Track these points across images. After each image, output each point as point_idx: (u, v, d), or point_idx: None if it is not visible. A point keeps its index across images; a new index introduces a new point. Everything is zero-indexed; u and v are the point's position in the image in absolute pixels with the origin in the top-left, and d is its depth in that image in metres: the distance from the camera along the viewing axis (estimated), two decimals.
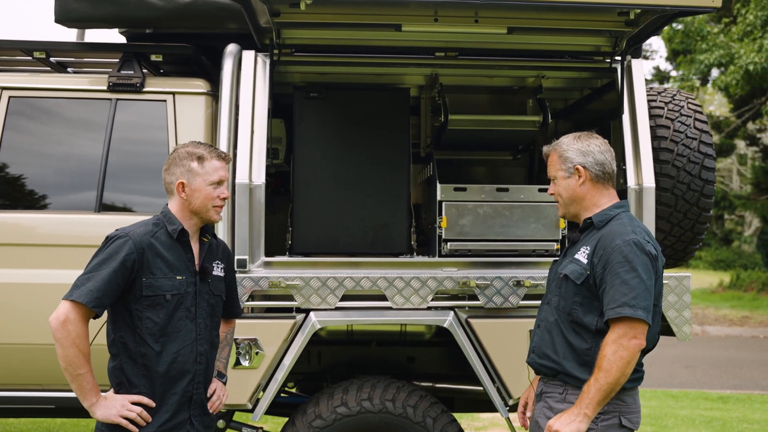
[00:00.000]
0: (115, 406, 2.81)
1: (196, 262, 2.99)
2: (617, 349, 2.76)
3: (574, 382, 2.92)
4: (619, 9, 3.35)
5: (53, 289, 3.94)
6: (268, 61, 4.01)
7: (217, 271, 3.06)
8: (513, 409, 3.98)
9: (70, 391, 3.96)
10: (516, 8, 3.46)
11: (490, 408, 4.78)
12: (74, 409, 4.20)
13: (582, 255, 2.96)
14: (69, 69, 4.84)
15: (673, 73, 22.77)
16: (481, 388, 4.23)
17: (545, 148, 3.16)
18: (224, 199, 3.00)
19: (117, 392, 2.88)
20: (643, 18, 3.55)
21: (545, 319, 3.08)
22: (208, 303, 3.00)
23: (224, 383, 3.17)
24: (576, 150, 3.03)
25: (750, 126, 23.10)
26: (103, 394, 2.85)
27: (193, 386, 2.93)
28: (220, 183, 2.98)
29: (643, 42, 4.04)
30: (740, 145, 24.13)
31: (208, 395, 3.04)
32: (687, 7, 3.30)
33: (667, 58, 23.08)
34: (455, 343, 4.07)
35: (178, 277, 2.90)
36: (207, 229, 3.07)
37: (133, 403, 2.83)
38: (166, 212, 2.98)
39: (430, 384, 4.41)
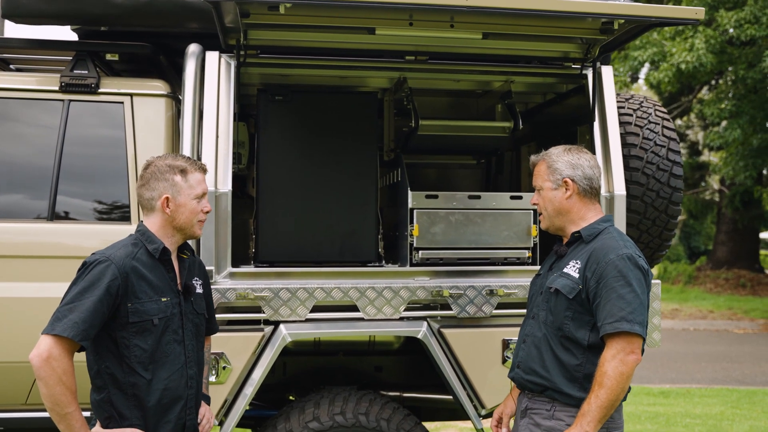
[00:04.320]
0: None
1: (179, 281, 2.84)
2: (617, 365, 2.73)
3: (562, 398, 2.89)
4: (604, 19, 3.32)
5: (0, 303, 3.72)
6: (233, 63, 3.84)
7: (198, 288, 2.91)
8: (485, 418, 3.94)
9: (20, 411, 3.81)
10: (498, 14, 3.38)
11: (456, 416, 4.76)
12: (25, 430, 3.98)
13: (572, 269, 2.92)
14: (11, 66, 4.59)
15: None
16: (449, 397, 4.19)
17: (533, 158, 3.11)
18: (207, 212, 2.88)
19: (106, 426, 2.70)
20: (620, 27, 3.53)
21: (531, 334, 3.02)
22: (193, 323, 2.86)
23: (208, 404, 3.05)
24: (566, 162, 3.00)
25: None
26: (91, 430, 2.67)
27: (185, 412, 2.79)
28: (203, 196, 2.86)
29: (616, 49, 4.03)
30: None
31: (198, 419, 2.91)
32: (670, 19, 3.29)
33: None
34: (422, 352, 4.00)
35: (163, 299, 2.74)
36: (186, 246, 2.92)
37: None
38: (144, 230, 2.80)
39: (398, 393, 4.33)
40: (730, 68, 16.40)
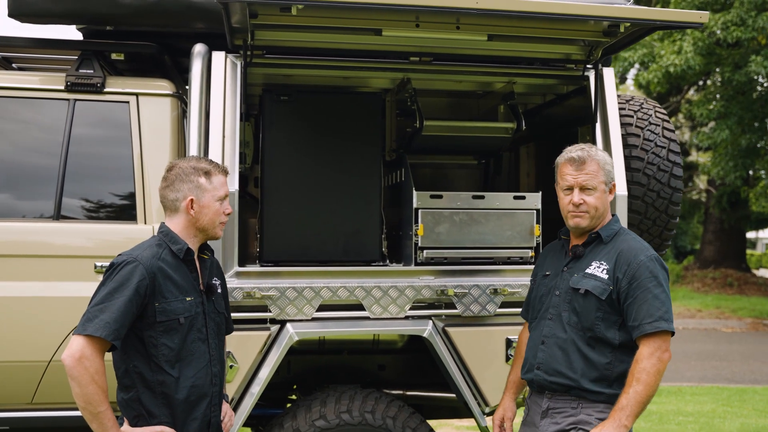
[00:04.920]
0: None
1: (201, 281, 2.88)
2: (656, 362, 2.79)
3: (591, 396, 2.92)
4: (611, 22, 3.36)
5: (6, 302, 3.72)
6: (239, 63, 3.85)
7: (218, 288, 2.96)
8: (488, 415, 3.98)
9: (26, 410, 3.81)
10: (506, 17, 3.41)
11: (457, 414, 4.80)
12: (30, 430, 3.97)
13: (599, 270, 2.95)
14: (14, 65, 4.58)
15: None
16: (451, 396, 4.22)
17: (581, 154, 3.01)
18: (228, 214, 2.93)
19: (134, 425, 2.73)
20: (626, 30, 3.56)
21: (553, 335, 3.02)
22: (215, 322, 2.92)
23: (228, 402, 3.11)
24: (611, 164, 3.05)
25: None
26: (121, 428, 2.70)
27: (210, 409, 2.84)
28: (225, 198, 2.92)
29: (618, 51, 4.07)
30: None
31: (221, 417, 2.96)
32: (675, 22, 3.33)
33: None
34: (425, 351, 4.03)
35: (187, 299, 2.79)
36: (206, 246, 2.96)
37: None
38: (167, 231, 2.85)
39: (401, 392, 4.36)
40: (717, 70, 16.52)
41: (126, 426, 2.71)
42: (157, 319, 2.71)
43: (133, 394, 2.73)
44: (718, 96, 17.43)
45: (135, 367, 2.72)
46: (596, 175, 2.99)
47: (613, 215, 3.11)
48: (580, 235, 3.09)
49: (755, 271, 28.67)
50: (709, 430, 7.46)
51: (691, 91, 22.71)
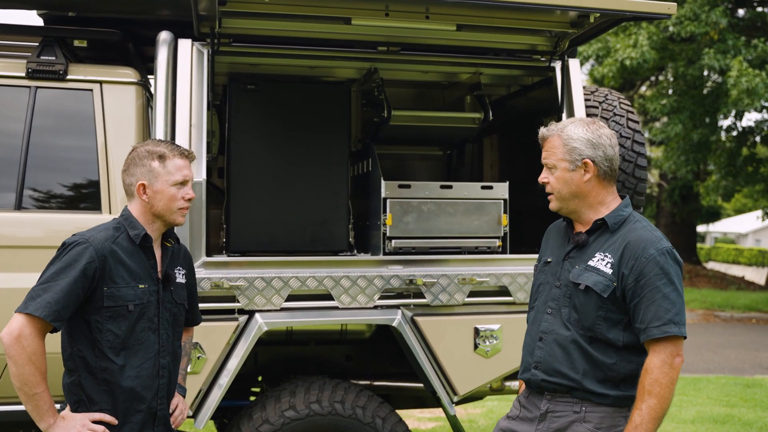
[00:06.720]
0: (75, 426, 2.58)
1: (159, 268, 2.80)
2: (668, 371, 2.49)
3: (595, 398, 2.61)
4: (581, 12, 3.39)
5: None
6: (206, 51, 3.80)
7: (179, 277, 2.88)
8: (457, 404, 4.01)
9: None
10: (476, 6, 3.42)
11: (422, 404, 4.83)
12: None
13: (603, 264, 2.62)
14: None
15: None
16: (419, 385, 4.24)
17: (543, 131, 2.73)
18: (189, 200, 2.82)
19: (75, 410, 2.65)
20: (595, 20, 3.60)
21: (552, 331, 2.70)
22: (170, 312, 2.82)
23: (184, 396, 3.00)
24: (586, 141, 2.64)
25: None
26: (60, 413, 2.62)
27: (156, 402, 2.75)
28: (183, 183, 2.80)
29: (584, 43, 4.12)
30: None
31: (171, 410, 2.87)
32: (643, 13, 3.37)
33: None
34: (393, 341, 4.04)
35: (140, 286, 2.70)
36: (170, 234, 2.88)
37: (95, 422, 2.61)
38: (127, 215, 2.77)
39: (368, 382, 4.36)
40: (670, 64, 16.80)
41: (66, 411, 2.64)
42: (105, 304, 2.63)
43: (75, 379, 2.66)
44: (670, 91, 17.73)
45: (79, 351, 2.64)
46: (554, 151, 2.67)
47: (623, 198, 2.74)
48: (578, 221, 2.75)
49: (705, 264, 29.34)
50: (666, 419, 7.59)
51: (644, 87, 23.10)
